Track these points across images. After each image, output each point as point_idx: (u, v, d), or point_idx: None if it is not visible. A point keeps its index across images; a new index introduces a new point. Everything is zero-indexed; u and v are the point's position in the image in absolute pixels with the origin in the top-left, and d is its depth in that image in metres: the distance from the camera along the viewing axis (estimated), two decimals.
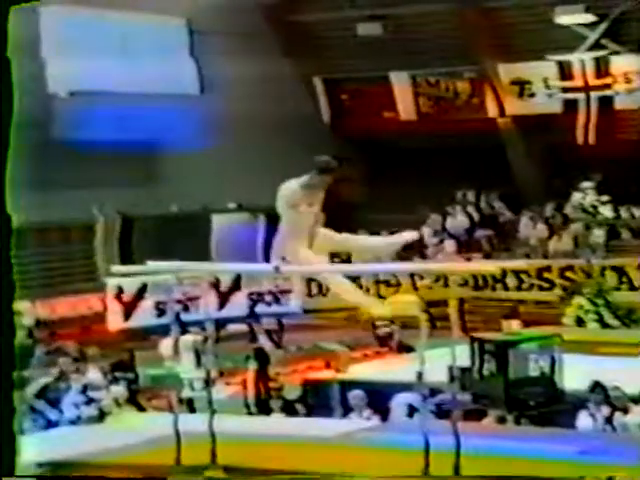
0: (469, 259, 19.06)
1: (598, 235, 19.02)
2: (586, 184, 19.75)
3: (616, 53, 19.70)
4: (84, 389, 12.10)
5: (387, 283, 18.90)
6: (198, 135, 18.86)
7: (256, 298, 18.89)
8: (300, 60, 21.50)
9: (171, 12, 19.50)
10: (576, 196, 19.87)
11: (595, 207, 19.55)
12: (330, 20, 20.94)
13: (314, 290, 19.41)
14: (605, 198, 19.51)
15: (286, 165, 16.12)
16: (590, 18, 19.47)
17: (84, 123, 17.83)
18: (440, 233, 20.41)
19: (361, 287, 19.25)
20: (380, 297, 18.64)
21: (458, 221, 20.65)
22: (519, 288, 18.41)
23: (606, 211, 19.47)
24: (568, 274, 18.20)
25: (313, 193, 8.22)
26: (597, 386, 11.22)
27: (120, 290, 18.01)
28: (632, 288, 17.67)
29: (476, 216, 20.78)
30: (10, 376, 5.27)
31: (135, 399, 13.05)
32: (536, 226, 19.90)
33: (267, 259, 21.99)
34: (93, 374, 12.88)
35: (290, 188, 8.23)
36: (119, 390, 12.61)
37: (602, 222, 19.32)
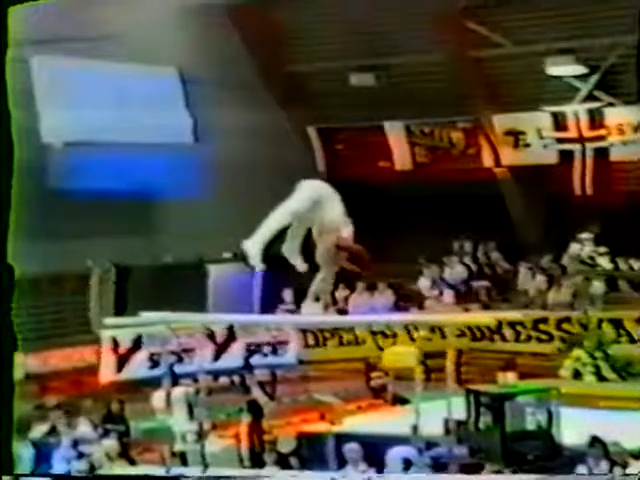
0: (467, 310, 18.96)
1: (597, 287, 18.89)
2: (584, 235, 19.68)
3: (610, 105, 19.74)
4: (75, 443, 11.94)
5: (383, 334, 18.79)
6: (193, 185, 18.83)
7: (253, 349, 18.77)
8: (294, 110, 21.54)
9: (164, 62, 19.52)
10: (574, 247, 19.79)
11: (593, 258, 19.47)
12: (324, 70, 21.01)
13: (310, 341, 19.29)
14: (603, 249, 19.44)
15: None
16: (581, 70, 19.53)
17: (78, 173, 17.78)
18: (438, 283, 20.33)
19: (356, 338, 19.22)
20: (378, 348, 18.55)
21: (455, 271, 20.57)
22: (516, 340, 18.28)
23: (604, 263, 19.38)
24: (565, 326, 18.07)
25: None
26: (596, 441, 11.08)
27: (115, 342, 17.87)
28: (631, 341, 17.52)
29: (473, 267, 20.70)
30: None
31: (127, 453, 12.88)
32: (534, 277, 19.80)
33: (264, 309, 21.96)
34: (84, 427, 12.73)
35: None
36: (110, 444, 12.45)
37: (600, 274, 19.22)
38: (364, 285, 20.06)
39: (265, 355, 18.79)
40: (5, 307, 5.96)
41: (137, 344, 17.86)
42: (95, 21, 17.96)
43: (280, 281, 20.04)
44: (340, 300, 19.86)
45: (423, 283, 20.34)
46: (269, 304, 19.89)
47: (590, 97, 19.85)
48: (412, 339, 18.02)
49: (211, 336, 18.07)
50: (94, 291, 19.06)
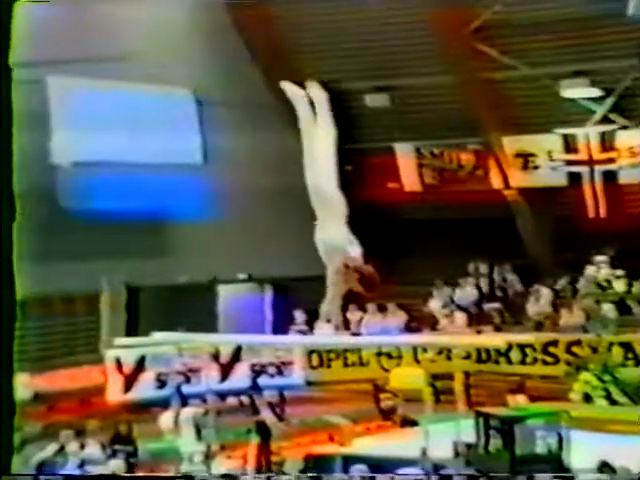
0: (479, 332, 18.91)
1: (608, 309, 18.84)
2: (600, 258, 19.65)
3: (624, 128, 19.69)
4: (82, 464, 11.90)
5: (388, 355, 18.74)
6: (204, 205, 18.84)
7: (259, 370, 18.75)
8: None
9: (176, 83, 19.57)
10: (590, 270, 19.76)
11: (609, 282, 19.43)
12: (336, 92, 20.98)
13: (315, 362, 19.25)
14: (619, 272, 19.40)
15: (292, 235, 16.10)
16: (596, 92, 19.49)
17: (89, 193, 17.82)
18: (450, 305, 20.31)
19: (361, 359, 19.17)
20: (383, 369, 18.50)
21: (468, 293, 20.53)
22: (521, 362, 18.20)
23: (619, 285, 19.33)
24: (575, 349, 17.98)
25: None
26: (605, 466, 10.99)
27: (119, 362, 17.84)
28: (637, 364, 17.40)
29: (487, 288, 20.65)
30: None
31: (134, 474, 12.84)
32: (548, 299, 19.73)
33: (275, 330, 21.87)
34: (92, 448, 12.67)
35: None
36: (117, 464, 12.40)
37: (615, 296, 19.16)
38: (376, 307, 20.08)
39: (271, 376, 18.78)
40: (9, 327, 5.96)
41: (141, 364, 17.82)
42: (108, 42, 18.03)
43: (291, 302, 20.08)
44: (354, 322, 19.84)
45: (434, 304, 20.31)
46: (281, 325, 19.91)
47: (604, 120, 19.81)
48: (417, 360, 17.98)
49: (219, 357, 18.05)
50: (105, 312, 19.05)
